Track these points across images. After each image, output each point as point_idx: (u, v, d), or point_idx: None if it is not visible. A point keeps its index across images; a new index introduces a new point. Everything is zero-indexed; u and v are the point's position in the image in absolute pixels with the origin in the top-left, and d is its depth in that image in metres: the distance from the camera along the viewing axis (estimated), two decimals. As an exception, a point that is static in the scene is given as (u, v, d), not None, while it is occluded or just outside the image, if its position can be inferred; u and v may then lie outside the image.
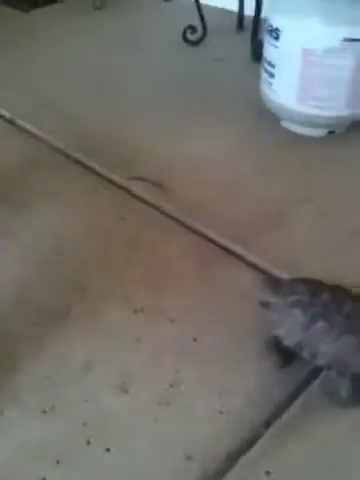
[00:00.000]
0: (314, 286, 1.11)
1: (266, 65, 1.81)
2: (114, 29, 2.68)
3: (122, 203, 1.57)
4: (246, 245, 1.40)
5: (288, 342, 1.07)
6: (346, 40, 1.60)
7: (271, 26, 1.74)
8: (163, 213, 1.53)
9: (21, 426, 1.03)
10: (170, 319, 1.23)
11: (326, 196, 1.59)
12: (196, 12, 2.46)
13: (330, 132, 1.83)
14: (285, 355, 1.09)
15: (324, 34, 1.62)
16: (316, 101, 1.71)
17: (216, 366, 1.13)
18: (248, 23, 2.42)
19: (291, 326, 1.06)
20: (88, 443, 1.00)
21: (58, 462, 0.97)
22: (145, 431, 1.02)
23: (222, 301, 1.26)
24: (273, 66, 1.77)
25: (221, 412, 1.05)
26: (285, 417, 1.03)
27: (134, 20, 2.78)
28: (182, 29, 2.45)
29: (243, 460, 0.97)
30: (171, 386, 1.09)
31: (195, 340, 1.18)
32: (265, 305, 1.12)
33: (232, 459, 0.97)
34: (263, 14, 2.25)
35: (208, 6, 2.57)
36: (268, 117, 1.88)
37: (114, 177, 1.66)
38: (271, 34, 1.74)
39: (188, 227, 1.48)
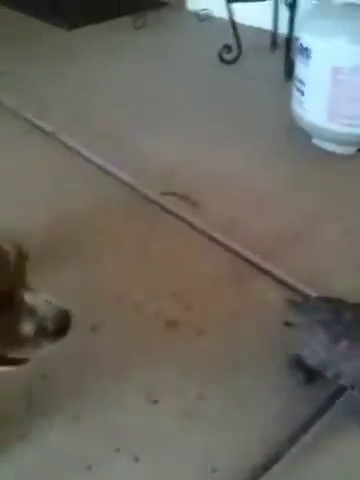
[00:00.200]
0: (337, 305, 1.12)
1: (297, 83, 1.83)
2: (153, 48, 2.75)
3: (154, 217, 1.61)
4: (275, 261, 1.43)
5: (312, 362, 1.08)
6: (375, 58, 1.62)
7: (301, 45, 1.77)
8: (194, 228, 1.56)
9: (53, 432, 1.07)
10: (200, 332, 1.25)
11: (355, 213, 1.60)
12: (231, 31, 2.50)
13: (360, 149, 1.84)
14: (310, 373, 1.10)
15: (353, 52, 1.65)
16: (346, 119, 1.73)
17: (243, 381, 1.15)
18: (282, 42, 2.46)
19: (315, 346, 1.07)
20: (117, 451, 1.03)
21: (89, 468, 1.01)
22: (173, 442, 1.05)
23: (251, 317, 1.29)
24: (304, 84, 1.79)
25: (247, 427, 1.07)
26: (310, 434, 1.04)
27: (172, 40, 2.85)
28: (218, 48, 2.50)
29: (268, 475, 0.98)
30: (198, 399, 1.12)
31: (224, 354, 1.20)
32: (289, 325, 1.14)
33: (257, 474, 0.98)
34: (296, 33, 2.28)
35: (243, 25, 2.61)
36: (299, 134, 1.91)
37: (147, 191, 1.70)
38: (301, 53, 1.77)
39: (218, 242, 1.51)
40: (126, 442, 1.05)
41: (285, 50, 2.36)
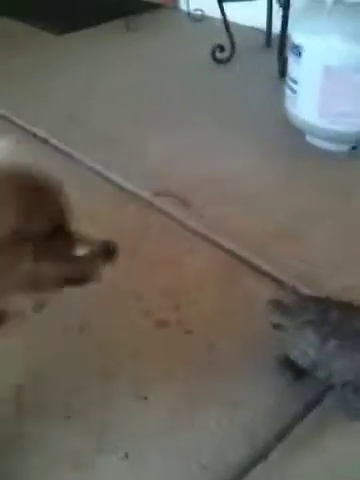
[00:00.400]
0: (323, 304, 1.11)
1: (289, 82, 1.84)
2: (145, 49, 2.76)
3: (146, 217, 1.61)
4: (267, 259, 1.42)
5: (302, 363, 1.08)
6: (367, 56, 1.62)
7: (293, 43, 1.77)
8: (186, 227, 1.56)
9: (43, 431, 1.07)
10: (188, 330, 1.26)
11: (348, 211, 1.60)
12: (225, 31, 2.51)
13: (353, 147, 1.83)
14: (298, 371, 1.10)
15: (345, 51, 1.64)
16: (337, 117, 1.73)
17: (230, 378, 1.15)
18: (276, 41, 2.45)
19: (304, 347, 1.07)
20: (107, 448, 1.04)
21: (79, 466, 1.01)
22: (162, 439, 1.05)
23: (241, 313, 1.29)
24: (296, 82, 1.79)
25: (234, 423, 1.07)
26: (298, 430, 1.04)
27: (165, 40, 2.86)
28: (211, 48, 2.50)
29: (255, 471, 0.98)
30: (186, 396, 1.12)
31: (211, 351, 1.21)
32: (277, 327, 1.13)
33: (245, 470, 0.98)
34: (289, 31, 2.28)
35: (237, 25, 2.62)
36: (293, 132, 1.91)
37: (139, 191, 1.71)
38: (293, 51, 1.77)
39: (210, 241, 1.51)
40: (116, 439, 1.05)
41: (278, 48, 2.36)
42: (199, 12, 3.00)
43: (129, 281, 1.39)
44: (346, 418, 1.06)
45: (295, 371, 1.10)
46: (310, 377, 1.09)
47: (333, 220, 1.57)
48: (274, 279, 1.38)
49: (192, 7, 3.04)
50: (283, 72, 2.17)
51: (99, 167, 1.82)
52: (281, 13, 2.37)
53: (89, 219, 1.56)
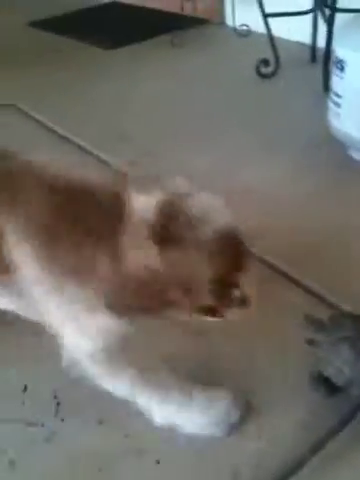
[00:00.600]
0: (359, 320, 1.10)
1: (333, 96, 1.83)
2: (190, 64, 2.79)
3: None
4: (305, 272, 1.42)
5: (336, 381, 1.06)
6: None
7: (337, 58, 1.77)
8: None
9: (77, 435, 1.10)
10: (225, 337, 1.25)
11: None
12: (270, 46, 2.52)
13: (395, 161, 1.82)
14: (332, 387, 1.08)
15: (388, 65, 1.63)
16: (381, 131, 1.72)
17: (267, 390, 1.15)
18: (321, 55, 2.45)
19: (339, 364, 1.05)
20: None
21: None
22: (195, 447, 1.05)
23: (277, 327, 1.28)
24: (339, 96, 1.79)
25: (269, 435, 1.07)
26: (333, 444, 1.03)
27: (210, 56, 2.89)
28: (256, 63, 2.51)
29: (288, 483, 0.98)
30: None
31: (248, 364, 1.21)
32: (311, 343, 1.12)
33: (278, 481, 0.98)
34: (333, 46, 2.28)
35: (281, 39, 2.63)
36: (335, 146, 1.90)
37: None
38: (337, 66, 1.77)
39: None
40: (148, 446, 1.06)
41: (323, 62, 2.36)
42: (245, 27, 3.02)
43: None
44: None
45: (329, 387, 1.09)
46: (344, 394, 1.07)
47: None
48: (312, 293, 1.37)
49: (238, 22, 3.07)
50: (327, 86, 2.16)
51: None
52: (326, 28, 2.37)
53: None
